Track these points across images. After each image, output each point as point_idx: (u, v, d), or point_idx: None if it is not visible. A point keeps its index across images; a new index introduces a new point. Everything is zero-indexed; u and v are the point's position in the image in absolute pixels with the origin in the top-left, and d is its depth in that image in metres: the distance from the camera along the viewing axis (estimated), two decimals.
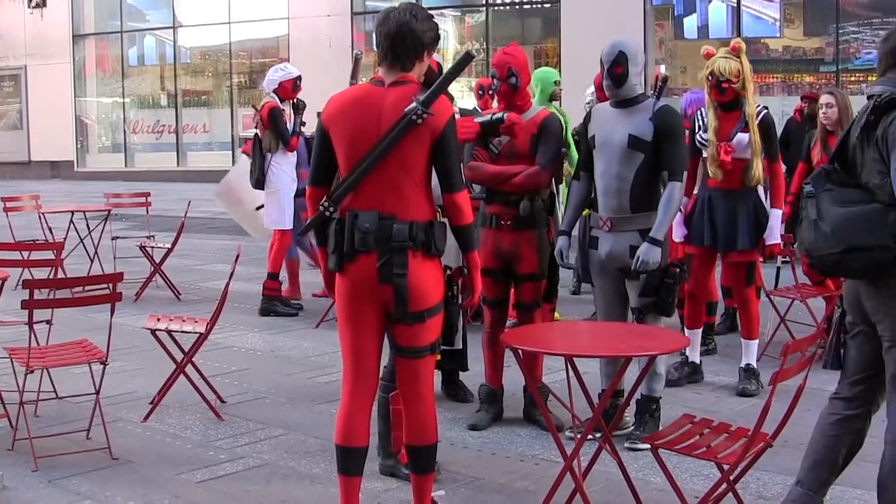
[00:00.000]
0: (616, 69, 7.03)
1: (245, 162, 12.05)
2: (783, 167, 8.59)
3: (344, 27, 27.83)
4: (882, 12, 21.70)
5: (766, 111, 8.30)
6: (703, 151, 8.30)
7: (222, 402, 8.03)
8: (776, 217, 8.27)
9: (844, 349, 5.50)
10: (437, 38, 5.40)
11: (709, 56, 8.25)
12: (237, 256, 8.21)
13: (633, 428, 7.20)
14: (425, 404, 5.38)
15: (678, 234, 8.39)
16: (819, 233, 5.06)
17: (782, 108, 19.81)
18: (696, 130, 8.37)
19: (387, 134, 5.11)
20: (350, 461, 5.37)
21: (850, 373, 5.48)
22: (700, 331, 8.77)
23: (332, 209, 5.24)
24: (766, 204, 8.37)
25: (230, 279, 8.00)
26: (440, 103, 5.17)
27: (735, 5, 22.70)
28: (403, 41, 5.22)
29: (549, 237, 7.39)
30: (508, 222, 7.25)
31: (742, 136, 8.14)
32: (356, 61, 7.16)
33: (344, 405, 5.37)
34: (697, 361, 8.73)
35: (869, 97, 5.21)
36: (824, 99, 9.76)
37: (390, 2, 26.57)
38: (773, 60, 23.12)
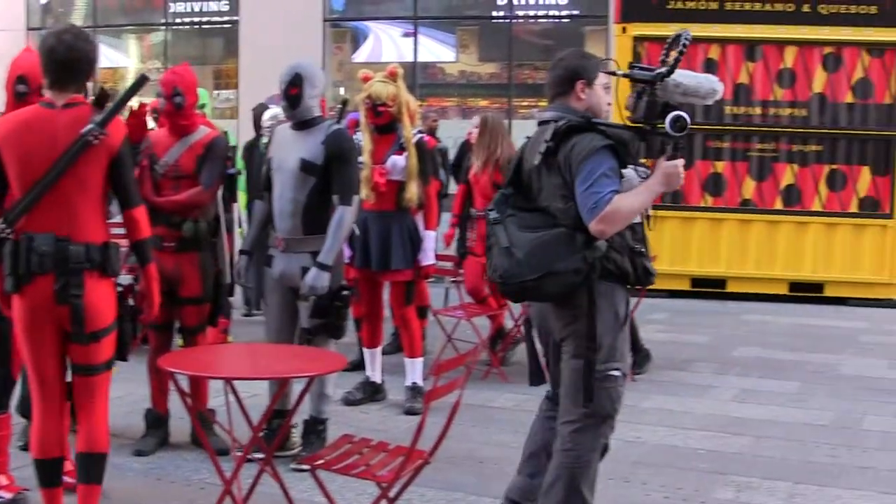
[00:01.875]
0: (291, 90, 7.09)
1: None
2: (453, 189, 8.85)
3: (18, 43, 27.01)
4: (553, 40, 22.38)
5: (421, 136, 8.48)
6: (359, 174, 8.37)
7: None
8: (430, 238, 8.48)
9: (537, 363, 5.63)
10: (98, 55, 5.51)
11: (366, 80, 8.39)
12: None
13: (300, 449, 7.23)
14: (100, 417, 5.45)
15: (345, 254, 8.47)
16: (513, 260, 5.13)
17: (457, 132, 20.25)
18: None
19: (63, 155, 5.15)
20: (49, 473, 5.44)
21: (556, 381, 5.56)
22: (379, 350, 8.86)
23: (7, 230, 5.23)
24: None
25: None
26: (114, 123, 5.26)
27: (413, 30, 23.05)
28: (76, 64, 5.30)
29: (215, 260, 7.37)
30: (171, 244, 7.20)
31: (396, 159, 8.30)
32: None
33: (36, 421, 5.42)
34: (378, 381, 8.83)
35: (541, 123, 5.39)
36: (475, 121, 10.20)
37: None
38: (448, 85, 23.57)
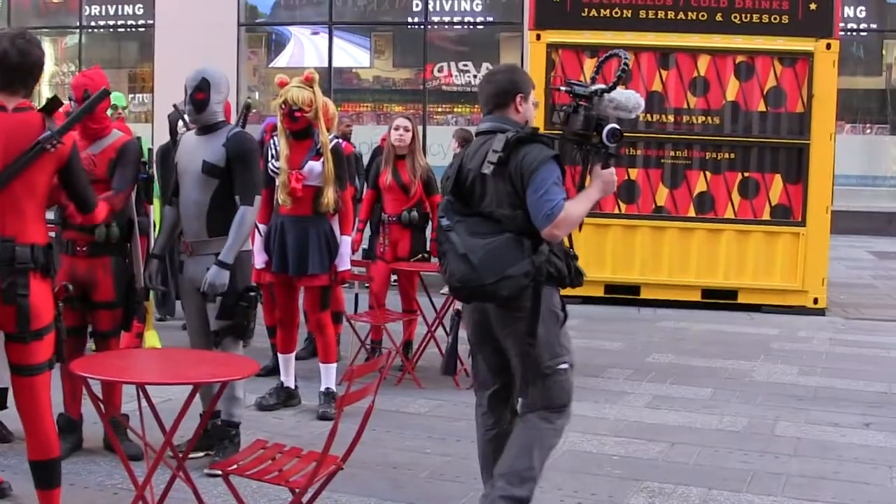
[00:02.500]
0: (198, 95, 7.15)
1: None
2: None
3: None
4: (468, 46, 22.49)
5: (337, 140, 8.48)
6: (276, 179, 8.38)
7: None
8: (346, 243, 8.50)
9: (455, 356, 6.01)
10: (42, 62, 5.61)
11: (283, 85, 8.37)
12: None
13: (213, 454, 7.17)
14: (46, 419, 5.54)
15: (259, 260, 8.42)
16: (470, 265, 5.40)
17: (372, 138, 20.24)
18: (269, 159, 8.46)
19: (18, 158, 5.26)
20: None
21: (486, 385, 5.98)
22: (293, 355, 8.81)
23: None
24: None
25: None
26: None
27: (328, 35, 23.04)
28: (29, 69, 5.43)
29: (129, 264, 7.31)
30: (84, 248, 7.12)
31: (313, 164, 8.30)
32: None
33: None
34: (293, 386, 8.78)
35: (480, 133, 5.71)
36: (401, 122, 10.11)
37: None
38: (363, 90, 23.58)
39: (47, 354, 5.50)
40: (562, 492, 6.87)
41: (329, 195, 8.32)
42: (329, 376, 8.63)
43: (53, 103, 5.53)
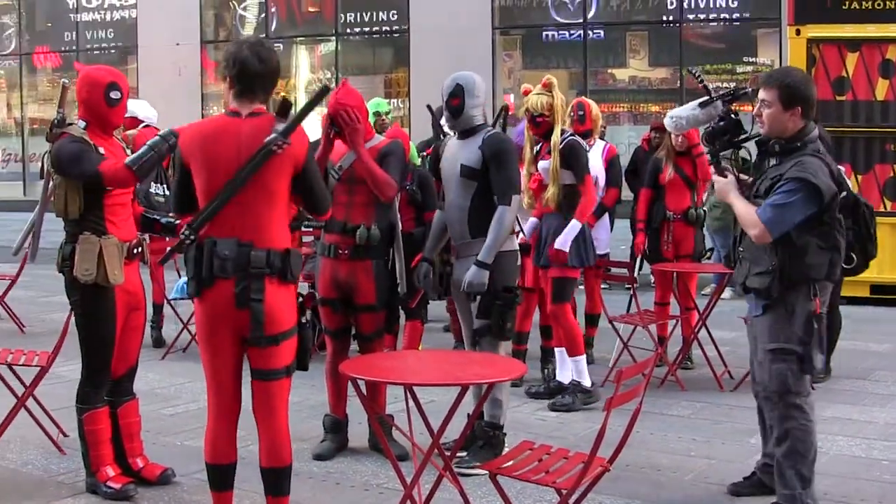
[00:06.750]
0: (453, 101, 7.27)
1: None
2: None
3: (194, 55, 27.61)
4: (724, 43, 22.19)
5: (570, 137, 8.60)
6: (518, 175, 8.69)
7: (65, 435, 7.76)
8: (572, 227, 8.61)
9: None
10: (280, 69, 5.66)
11: (526, 94, 8.70)
12: None
13: (465, 454, 7.21)
14: (280, 426, 5.55)
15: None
16: None
17: (629, 138, 20.15)
18: None
19: (246, 163, 5.30)
20: (219, 477, 5.61)
21: None
22: (565, 350, 8.93)
23: (192, 237, 5.39)
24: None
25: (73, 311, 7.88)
26: (297, 133, 5.38)
27: (582, 36, 23.03)
28: (267, 77, 5.51)
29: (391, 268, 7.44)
30: (345, 251, 7.26)
31: (544, 164, 8.62)
32: (63, 90, 7.02)
33: (209, 425, 5.60)
34: (566, 382, 8.93)
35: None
36: None
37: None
38: (619, 90, 23.48)
39: (286, 360, 5.51)
40: (828, 497, 6.67)
41: (550, 191, 8.60)
42: (565, 366, 8.89)
43: (285, 106, 5.56)
